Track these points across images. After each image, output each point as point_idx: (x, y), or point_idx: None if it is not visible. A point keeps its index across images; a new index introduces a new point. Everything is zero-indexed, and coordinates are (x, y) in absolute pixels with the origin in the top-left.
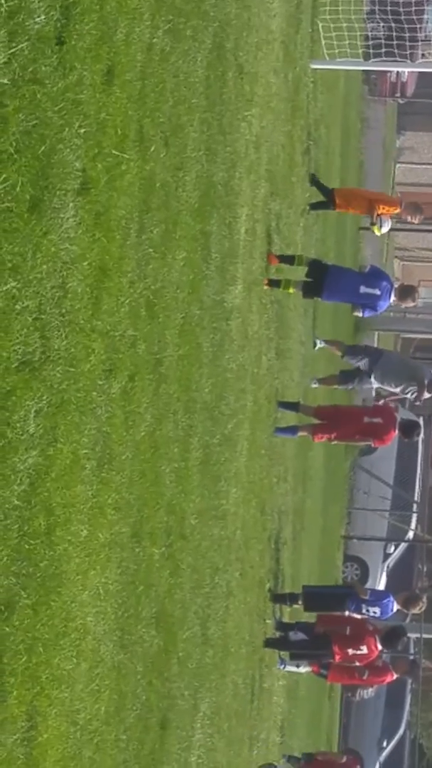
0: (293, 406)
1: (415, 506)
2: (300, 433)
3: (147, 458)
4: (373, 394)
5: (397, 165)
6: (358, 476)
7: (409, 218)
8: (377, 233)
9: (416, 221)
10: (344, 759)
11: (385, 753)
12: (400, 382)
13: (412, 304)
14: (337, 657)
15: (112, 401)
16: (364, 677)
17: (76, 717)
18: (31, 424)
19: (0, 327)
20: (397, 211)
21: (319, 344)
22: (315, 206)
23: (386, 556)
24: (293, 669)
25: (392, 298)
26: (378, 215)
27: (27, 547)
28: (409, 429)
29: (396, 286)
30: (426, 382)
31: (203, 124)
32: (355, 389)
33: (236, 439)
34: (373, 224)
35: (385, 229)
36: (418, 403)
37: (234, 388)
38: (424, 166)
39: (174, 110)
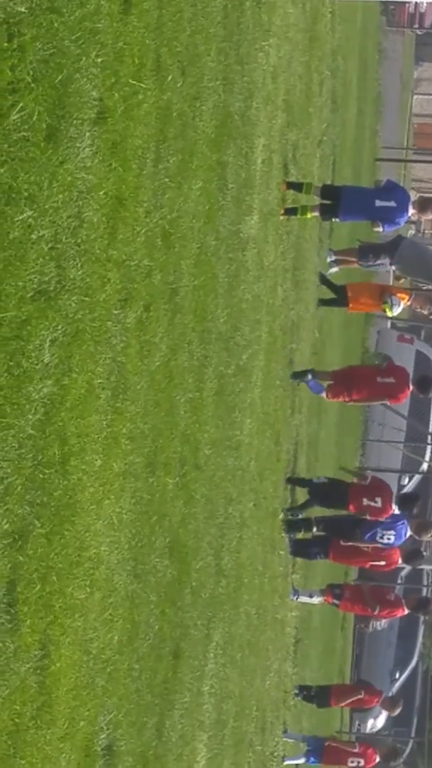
0: (306, 374)
1: (429, 438)
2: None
3: (162, 388)
4: (391, 280)
5: (415, 96)
6: (373, 408)
7: (418, 308)
8: (389, 314)
9: (425, 311)
10: (357, 747)
11: (397, 684)
12: (420, 276)
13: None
14: (351, 507)
15: (127, 331)
16: (376, 611)
17: (89, 646)
18: (46, 354)
19: (16, 256)
20: (408, 302)
21: (333, 268)
22: (326, 302)
23: (401, 488)
24: (306, 599)
25: (411, 210)
26: (391, 294)
27: (41, 476)
28: (425, 384)
29: (414, 198)
30: None
31: (220, 54)
32: (373, 272)
33: (251, 369)
34: (384, 303)
35: (396, 311)
36: None
37: (249, 319)
38: None
39: (191, 40)
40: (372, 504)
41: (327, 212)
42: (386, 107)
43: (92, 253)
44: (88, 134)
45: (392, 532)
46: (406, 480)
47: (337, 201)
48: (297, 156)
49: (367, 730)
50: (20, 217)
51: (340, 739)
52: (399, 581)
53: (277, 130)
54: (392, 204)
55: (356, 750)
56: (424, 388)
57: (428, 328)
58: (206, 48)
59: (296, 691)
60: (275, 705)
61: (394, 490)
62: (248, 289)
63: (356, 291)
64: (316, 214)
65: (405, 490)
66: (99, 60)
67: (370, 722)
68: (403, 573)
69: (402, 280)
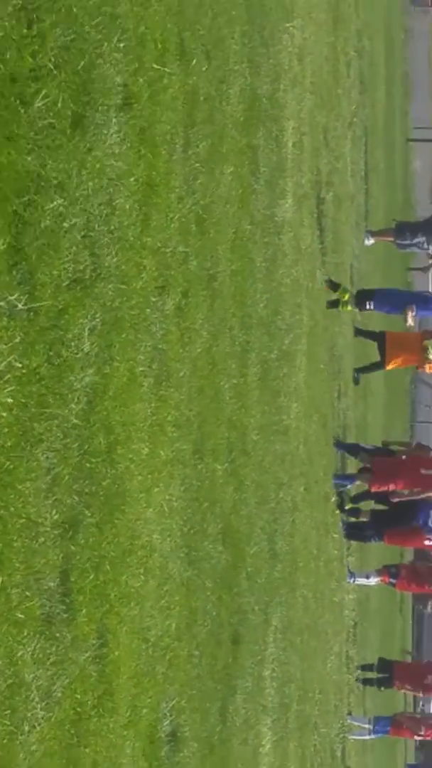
0: (353, 448)
1: None
2: (356, 482)
3: (205, 375)
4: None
5: None
6: (420, 390)
7: None
8: (430, 356)
9: None
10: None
11: None
12: None
13: None
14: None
15: (166, 318)
16: None
17: (147, 634)
18: (86, 343)
19: (49, 245)
20: None
21: (368, 241)
22: (363, 370)
23: None
24: (363, 581)
25: None
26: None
27: (88, 465)
28: None
29: None
30: None
31: (244, 37)
32: (412, 251)
33: (294, 353)
34: (426, 341)
35: None
36: None
37: (289, 303)
38: None
39: (214, 23)
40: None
41: (362, 299)
42: (415, 87)
43: (126, 240)
44: (114, 120)
45: None
46: None
47: (371, 294)
48: (328, 138)
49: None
50: (50, 206)
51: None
52: None
53: (307, 112)
54: (425, 293)
55: (429, 722)
56: None
57: None
58: (229, 31)
59: (359, 680)
60: (337, 687)
61: None
62: (286, 273)
63: (394, 344)
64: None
65: None
66: (121, 45)
67: None
68: None
69: None
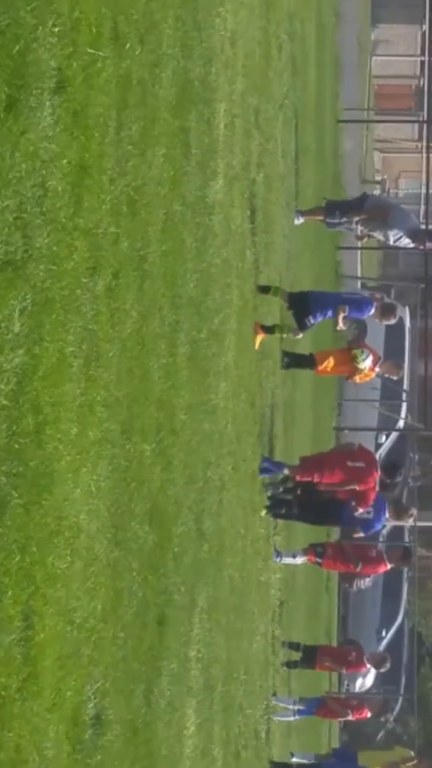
0: (278, 466)
1: (404, 395)
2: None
3: (134, 355)
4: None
5: (373, 58)
6: None
7: (386, 374)
8: (360, 365)
9: (394, 377)
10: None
11: (384, 642)
12: (388, 229)
13: (393, 321)
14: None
15: (96, 299)
16: (358, 568)
17: (72, 615)
18: (17, 324)
19: None
20: (373, 368)
21: (298, 220)
22: (293, 357)
23: (378, 446)
24: (289, 561)
25: (373, 311)
26: (361, 347)
27: (17, 446)
28: (391, 470)
29: (377, 304)
30: (416, 230)
31: (178, 21)
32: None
33: (223, 333)
34: (354, 350)
35: (367, 363)
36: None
37: (219, 283)
38: (400, 59)
39: (147, 7)
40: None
41: (301, 318)
42: (345, 70)
43: (58, 222)
44: (48, 104)
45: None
46: (384, 438)
47: (306, 305)
48: (259, 120)
49: (357, 689)
50: None
51: (333, 696)
52: (381, 539)
53: (238, 94)
54: (357, 296)
55: (354, 703)
56: (390, 474)
57: (398, 286)
58: (163, 15)
59: (283, 663)
60: (263, 668)
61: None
62: (217, 254)
63: (324, 355)
64: (297, 335)
65: (382, 449)
66: (56, 30)
67: (359, 681)
68: (384, 531)
69: (366, 239)
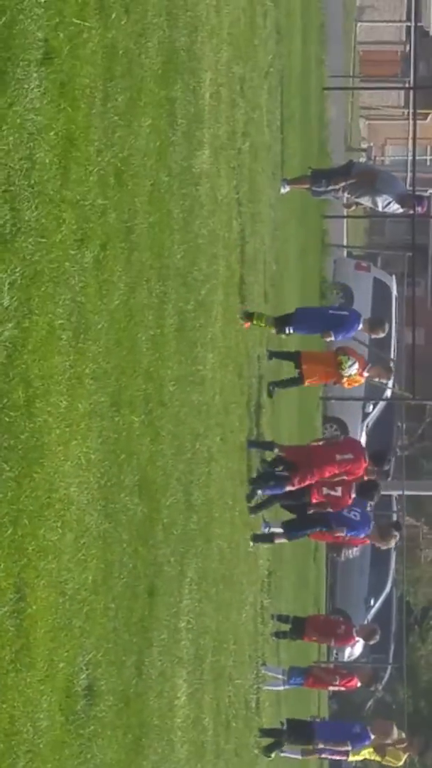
0: (267, 445)
1: (391, 364)
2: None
3: (122, 327)
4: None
5: (358, 24)
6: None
7: (376, 378)
8: (345, 372)
9: (384, 380)
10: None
11: (372, 611)
12: (376, 195)
13: (382, 335)
14: (313, 497)
15: (85, 271)
16: (346, 537)
17: (64, 587)
18: (5, 297)
19: None
20: (361, 371)
21: (284, 189)
22: (279, 384)
23: (365, 415)
24: (277, 530)
25: (361, 326)
26: (346, 353)
27: (7, 419)
28: (379, 458)
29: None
30: (404, 195)
31: None
32: (327, 200)
33: (210, 304)
34: (339, 356)
35: (352, 370)
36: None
37: (206, 254)
38: (384, 24)
39: None
40: (332, 493)
41: (281, 324)
42: (330, 36)
43: (46, 194)
44: (35, 75)
45: (358, 509)
46: (371, 407)
47: (289, 317)
48: (245, 89)
49: (345, 659)
50: None
51: (321, 667)
52: (368, 508)
53: (224, 63)
54: (345, 313)
55: (343, 671)
56: (378, 462)
57: (385, 255)
58: None
59: (272, 633)
60: (252, 638)
61: (359, 417)
62: (203, 224)
63: (310, 361)
64: (272, 331)
65: (369, 419)
66: (42, 0)
67: (348, 651)
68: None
69: (354, 207)
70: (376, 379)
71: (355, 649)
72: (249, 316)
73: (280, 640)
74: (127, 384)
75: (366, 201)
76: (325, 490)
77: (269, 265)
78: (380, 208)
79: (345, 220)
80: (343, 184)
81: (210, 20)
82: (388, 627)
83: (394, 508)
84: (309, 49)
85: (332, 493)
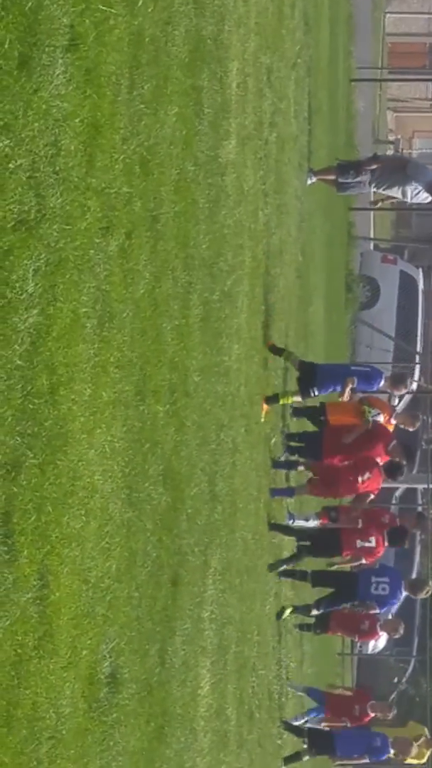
0: (290, 465)
1: (417, 358)
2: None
3: (147, 316)
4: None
5: (387, 15)
6: (360, 330)
7: (403, 425)
8: (368, 419)
9: (411, 428)
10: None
11: (397, 604)
12: (407, 183)
13: (405, 391)
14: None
15: (110, 259)
16: (378, 615)
17: (87, 575)
18: (30, 284)
19: None
20: (387, 418)
21: (310, 180)
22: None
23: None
24: (302, 523)
25: (383, 383)
26: (369, 404)
27: (31, 406)
28: (393, 469)
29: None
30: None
31: None
32: (352, 195)
33: (236, 295)
34: (363, 405)
35: (378, 419)
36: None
37: (232, 244)
38: (413, 16)
39: None
40: (366, 545)
41: (305, 387)
42: (359, 27)
43: (71, 181)
44: (60, 61)
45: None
46: (396, 401)
47: (313, 376)
48: (272, 79)
49: (369, 651)
50: None
51: (336, 686)
52: (393, 501)
53: (251, 53)
54: (367, 369)
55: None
56: (392, 474)
57: (411, 247)
58: None
59: (296, 626)
60: (276, 629)
61: None
62: (229, 215)
63: (335, 412)
64: (298, 398)
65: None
66: None
67: (372, 643)
68: (398, 493)
69: (380, 203)
70: (403, 426)
71: (380, 642)
72: (272, 399)
73: (304, 633)
74: (151, 373)
75: (395, 192)
76: (358, 543)
77: (295, 256)
78: (409, 199)
79: (372, 212)
80: (373, 167)
81: (237, 9)
82: (412, 620)
83: (420, 501)
84: (337, 40)
85: (366, 545)
